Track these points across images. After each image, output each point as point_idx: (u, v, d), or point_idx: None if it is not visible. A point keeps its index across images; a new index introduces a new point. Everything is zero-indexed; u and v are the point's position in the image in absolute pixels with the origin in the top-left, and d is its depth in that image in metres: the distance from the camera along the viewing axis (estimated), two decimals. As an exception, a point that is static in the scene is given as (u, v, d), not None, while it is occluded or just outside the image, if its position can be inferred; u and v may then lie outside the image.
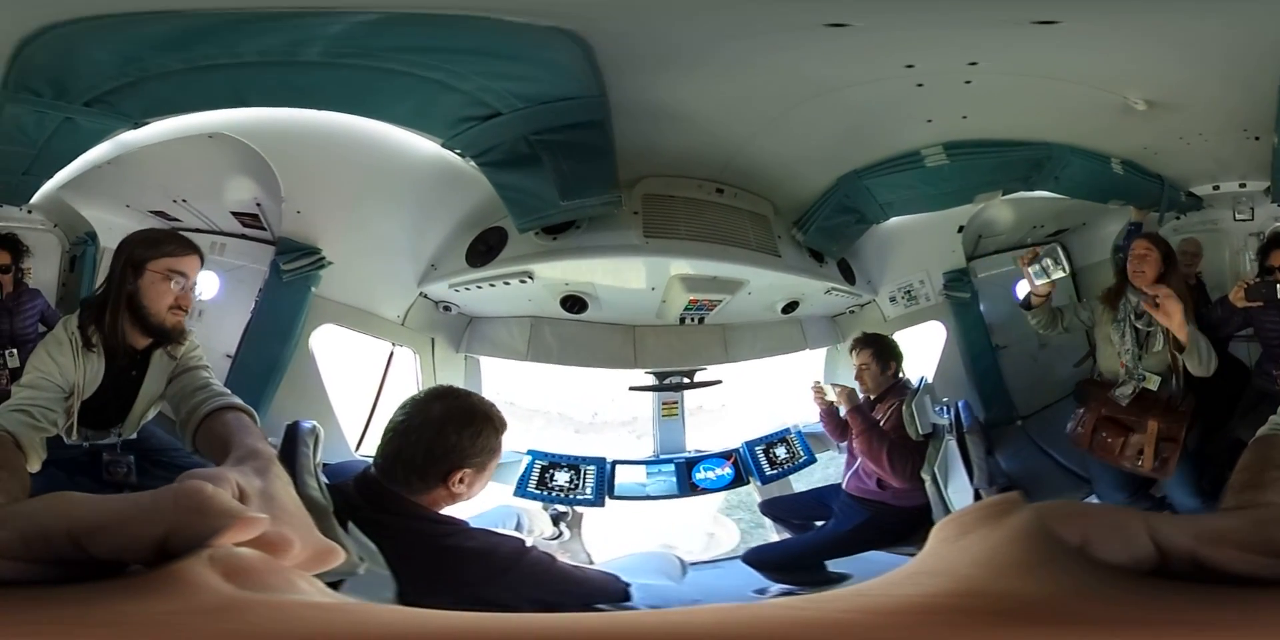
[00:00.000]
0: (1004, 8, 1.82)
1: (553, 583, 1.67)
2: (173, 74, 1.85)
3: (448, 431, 1.58)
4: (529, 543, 1.78)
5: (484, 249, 2.49)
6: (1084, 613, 0.32)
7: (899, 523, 2.45)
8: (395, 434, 1.63)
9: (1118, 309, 2.50)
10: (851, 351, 2.71)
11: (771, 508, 2.83)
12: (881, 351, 2.63)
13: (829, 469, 2.93)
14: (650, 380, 2.85)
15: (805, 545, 2.65)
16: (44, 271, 2.40)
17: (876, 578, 0.35)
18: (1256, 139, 2.39)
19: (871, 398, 2.63)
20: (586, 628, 0.32)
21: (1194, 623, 0.32)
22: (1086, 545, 0.36)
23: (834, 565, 2.50)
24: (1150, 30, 1.95)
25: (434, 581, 1.54)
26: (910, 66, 2.10)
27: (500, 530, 2.08)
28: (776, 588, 2.47)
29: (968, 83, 2.17)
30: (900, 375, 2.64)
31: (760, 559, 2.55)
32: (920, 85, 2.18)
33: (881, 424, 2.53)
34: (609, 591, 1.77)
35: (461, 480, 1.59)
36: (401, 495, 1.59)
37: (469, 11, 1.74)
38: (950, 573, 0.35)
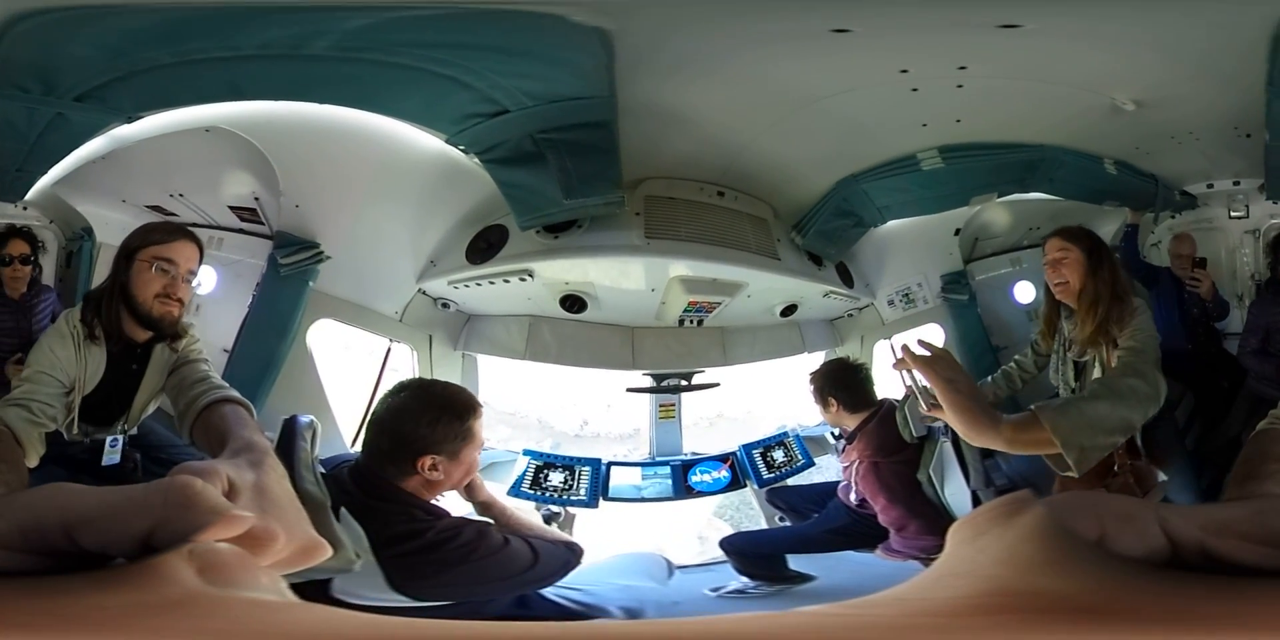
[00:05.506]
0: (985, 11, 1.83)
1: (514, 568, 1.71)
2: (164, 67, 1.84)
3: (405, 420, 1.66)
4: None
5: (484, 246, 2.49)
6: (1111, 607, 0.33)
7: (875, 535, 2.41)
8: (370, 425, 1.74)
9: (1053, 338, 2.09)
10: None
11: (776, 496, 2.78)
12: (818, 389, 2.49)
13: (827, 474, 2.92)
14: (648, 382, 2.85)
15: (781, 537, 2.61)
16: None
17: (908, 582, 0.36)
18: (1248, 136, 2.38)
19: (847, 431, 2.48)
20: (560, 636, 0.31)
21: (1215, 615, 0.33)
22: (1103, 539, 0.37)
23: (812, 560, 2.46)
24: (1132, 31, 1.95)
25: (418, 569, 1.59)
26: (904, 71, 2.11)
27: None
28: (732, 586, 2.41)
29: (959, 87, 2.18)
30: (868, 403, 2.46)
31: (732, 545, 2.49)
32: (915, 90, 2.19)
33: (856, 465, 2.42)
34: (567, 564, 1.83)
35: (434, 467, 1.65)
36: (393, 483, 1.65)
37: (498, 5, 1.73)
38: (975, 573, 0.35)
